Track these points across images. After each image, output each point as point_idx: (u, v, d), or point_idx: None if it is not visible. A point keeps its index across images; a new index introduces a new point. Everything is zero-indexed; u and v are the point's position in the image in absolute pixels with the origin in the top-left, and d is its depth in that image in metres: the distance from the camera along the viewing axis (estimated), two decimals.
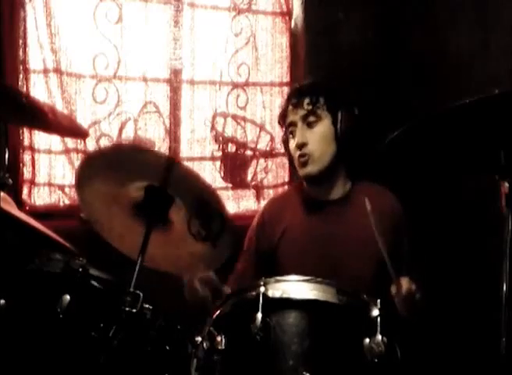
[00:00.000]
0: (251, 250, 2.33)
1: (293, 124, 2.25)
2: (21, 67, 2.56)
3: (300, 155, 2.21)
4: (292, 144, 2.26)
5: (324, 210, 2.27)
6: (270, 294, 1.64)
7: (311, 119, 2.22)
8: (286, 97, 2.33)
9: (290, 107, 2.26)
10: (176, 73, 2.85)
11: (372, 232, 2.21)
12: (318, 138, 2.21)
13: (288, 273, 2.18)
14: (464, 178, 2.51)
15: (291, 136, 2.27)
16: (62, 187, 2.66)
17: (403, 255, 2.25)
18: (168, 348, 1.80)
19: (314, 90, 2.25)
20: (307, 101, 2.22)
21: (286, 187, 3.07)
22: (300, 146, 2.21)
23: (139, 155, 1.81)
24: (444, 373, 2.62)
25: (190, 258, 1.91)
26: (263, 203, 2.85)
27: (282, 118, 2.31)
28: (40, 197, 2.64)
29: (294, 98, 2.26)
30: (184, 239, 1.85)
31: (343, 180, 2.28)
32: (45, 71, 2.60)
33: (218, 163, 2.95)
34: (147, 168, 1.77)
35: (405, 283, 2.02)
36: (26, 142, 2.59)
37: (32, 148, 2.60)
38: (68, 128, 2.22)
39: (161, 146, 2.82)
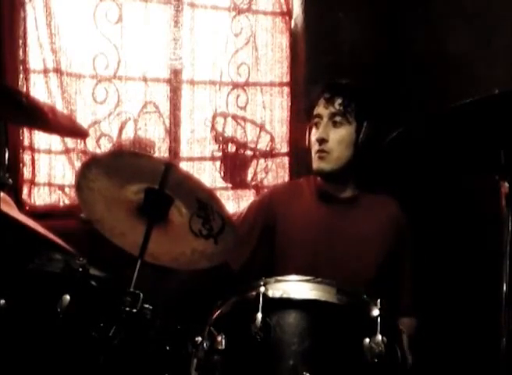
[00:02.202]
0: (256, 223, 2.35)
1: (320, 117, 2.28)
2: (21, 67, 2.56)
3: (319, 150, 2.24)
4: (313, 135, 2.29)
5: (333, 205, 2.32)
6: (270, 294, 1.64)
7: (338, 119, 2.25)
8: (319, 88, 2.33)
9: (322, 100, 2.28)
10: (175, 73, 2.84)
11: (377, 235, 2.24)
12: (339, 139, 2.24)
13: (288, 260, 2.23)
14: (464, 178, 2.51)
15: (314, 127, 2.30)
16: (62, 187, 2.65)
17: (405, 263, 2.27)
18: (168, 348, 1.80)
19: (349, 92, 2.27)
20: (339, 101, 2.25)
21: None
22: (321, 141, 2.24)
23: (137, 161, 1.82)
24: (444, 373, 2.62)
25: (192, 255, 1.92)
26: None
27: (311, 107, 2.33)
28: (40, 197, 2.64)
29: (328, 93, 2.27)
30: (186, 236, 1.86)
31: (352, 185, 2.32)
32: (45, 71, 2.59)
33: (218, 163, 2.94)
34: (146, 172, 1.79)
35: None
36: (26, 142, 2.59)
37: (32, 148, 2.60)
38: (68, 128, 2.22)
39: (161, 146, 2.82)
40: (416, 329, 2.26)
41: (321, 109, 2.28)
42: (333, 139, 2.24)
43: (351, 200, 2.31)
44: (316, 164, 2.26)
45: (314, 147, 2.26)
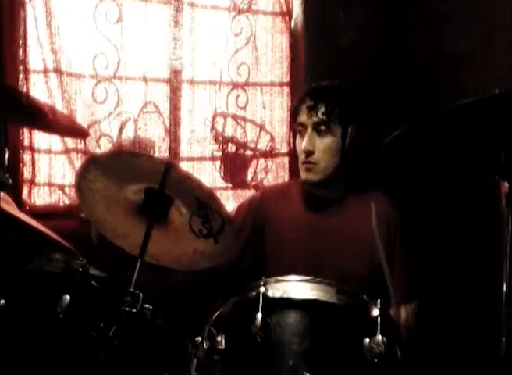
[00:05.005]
0: (245, 225, 2.34)
1: (304, 126, 2.26)
2: (21, 67, 2.56)
3: (306, 162, 2.23)
4: (299, 143, 2.27)
5: (322, 207, 2.30)
6: (270, 294, 1.64)
7: (323, 128, 2.22)
8: (301, 94, 2.32)
9: (304, 108, 2.25)
10: (176, 73, 2.84)
11: (368, 234, 2.23)
12: (325, 149, 2.22)
13: (278, 261, 2.23)
14: (464, 178, 2.51)
15: (299, 134, 2.28)
16: (62, 187, 2.66)
17: (397, 258, 2.27)
18: (168, 348, 1.80)
19: (331, 97, 2.24)
20: (322, 109, 2.22)
21: None
22: (307, 153, 2.22)
23: (137, 160, 1.82)
24: (444, 373, 2.62)
25: (193, 255, 1.92)
26: None
27: (294, 113, 2.31)
28: (40, 197, 2.64)
29: (310, 100, 2.25)
30: (187, 236, 1.87)
31: (342, 185, 2.31)
32: (45, 71, 2.60)
33: (218, 163, 2.94)
34: (146, 172, 1.79)
35: (403, 312, 2.10)
36: (26, 142, 2.59)
37: (32, 148, 2.60)
38: (68, 128, 2.22)
39: (161, 146, 2.82)
40: (416, 313, 2.26)
41: (304, 118, 2.25)
42: (319, 149, 2.22)
43: (340, 200, 2.30)
44: (304, 175, 2.25)
45: (301, 157, 2.24)
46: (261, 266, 2.29)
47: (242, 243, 2.30)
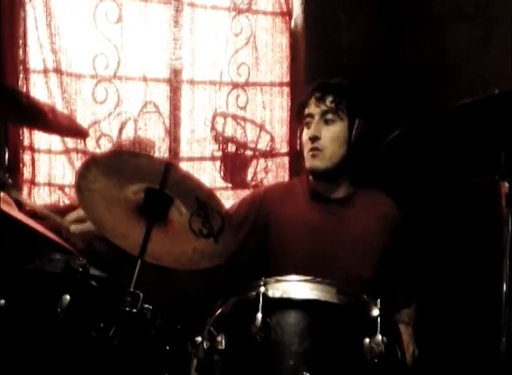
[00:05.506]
0: (246, 220, 2.31)
1: (311, 116, 2.26)
2: (21, 67, 2.56)
3: (312, 148, 2.22)
4: (305, 134, 2.27)
5: (326, 206, 2.29)
6: (270, 294, 1.64)
7: (330, 116, 2.23)
8: (309, 89, 2.32)
9: (313, 99, 2.27)
10: (176, 73, 2.85)
11: (372, 233, 2.24)
12: (332, 137, 2.22)
13: (281, 260, 2.23)
14: (464, 178, 2.51)
15: (306, 127, 2.28)
16: (62, 187, 2.66)
17: (399, 259, 2.27)
18: (168, 348, 1.80)
19: (340, 90, 2.26)
20: (330, 98, 2.24)
21: None
22: (313, 139, 2.22)
23: (137, 160, 1.82)
24: (444, 373, 2.62)
25: (193, 254, 1.92)
26: None
27: (302, 107, 2.31)
28: (40, 197, 2.64)
29: (318, 92, 2.26)
30: (187, 236, 1.86)
31: (346, 183, 2.30)
32: (45, 71, 2.60)
33: (218, 163, 2.95)
34: (146, 172, 1.79)
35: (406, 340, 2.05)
36: (26, 142, 2.59)
37: (32, 148, 2.60)
38: (68, 128, 2.22)
39: (161, 146, 2.82)
40: (415, 314, 2.26)
41: (312, 108, 2.26)
42: (326, 137, 2.22)
43: (345, 199, 2.29)
44: (309, 163, 2.24)
45: (307, 145, 2.24)
46: (261, 263, 2.28)
47: (242, 237, 2.28)
